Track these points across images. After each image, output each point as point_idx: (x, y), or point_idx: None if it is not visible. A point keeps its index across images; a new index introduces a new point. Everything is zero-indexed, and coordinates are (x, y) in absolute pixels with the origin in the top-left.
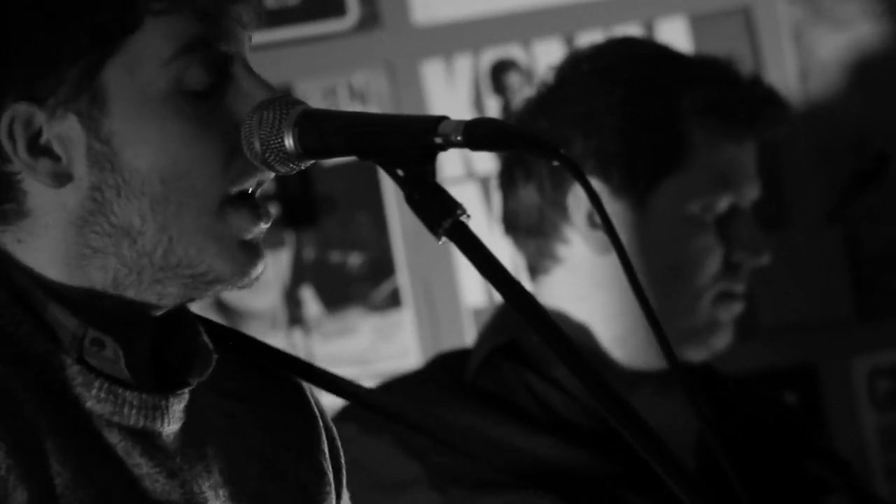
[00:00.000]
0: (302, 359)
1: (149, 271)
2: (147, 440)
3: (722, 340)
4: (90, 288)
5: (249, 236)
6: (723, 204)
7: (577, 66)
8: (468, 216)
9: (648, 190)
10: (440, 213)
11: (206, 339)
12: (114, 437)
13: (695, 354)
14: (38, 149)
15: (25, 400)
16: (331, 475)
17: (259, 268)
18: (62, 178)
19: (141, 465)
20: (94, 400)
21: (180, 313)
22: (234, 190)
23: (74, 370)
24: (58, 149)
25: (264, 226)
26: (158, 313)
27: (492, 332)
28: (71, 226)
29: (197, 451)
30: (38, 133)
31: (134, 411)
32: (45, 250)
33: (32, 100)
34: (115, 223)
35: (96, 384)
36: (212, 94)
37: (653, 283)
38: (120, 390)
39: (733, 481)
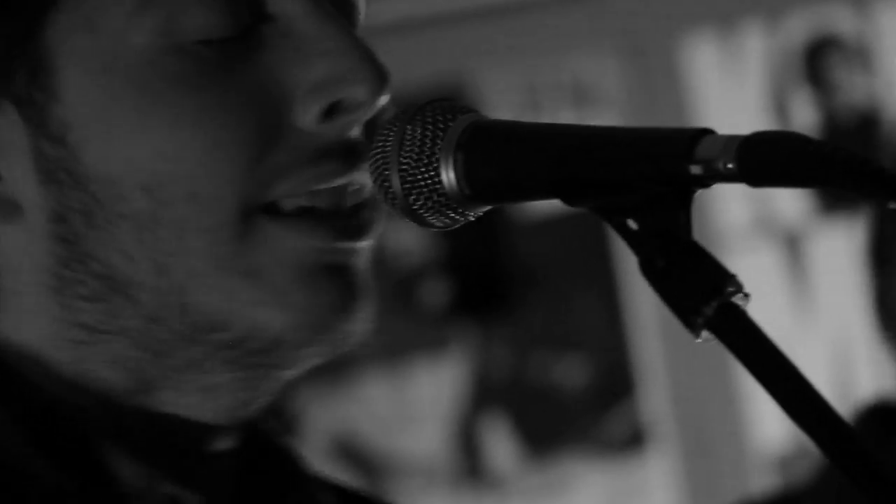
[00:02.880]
0: None
1: (174, 349)
2: None
3: None
4: (106, 398)
5: (324, 258)
6: None
7: None
8: (746, 296)
9: None
10: (699, 293)
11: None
12: None
13: None
14: None
15: None
16: None
17: (355, 311)
18: (4, 208)
19: None
20: None
21: (285, 459)
22: (273, 197)
23: None
24: None
25: (356, 242)
26: (228, 438)
27: (817, 498)
28: (48, 291)
29: None
30: None
31: None
32: (24, 334)
33: None
34: (100, 272)
35: None
36: (235, 45)
37: None
38: None
39: None
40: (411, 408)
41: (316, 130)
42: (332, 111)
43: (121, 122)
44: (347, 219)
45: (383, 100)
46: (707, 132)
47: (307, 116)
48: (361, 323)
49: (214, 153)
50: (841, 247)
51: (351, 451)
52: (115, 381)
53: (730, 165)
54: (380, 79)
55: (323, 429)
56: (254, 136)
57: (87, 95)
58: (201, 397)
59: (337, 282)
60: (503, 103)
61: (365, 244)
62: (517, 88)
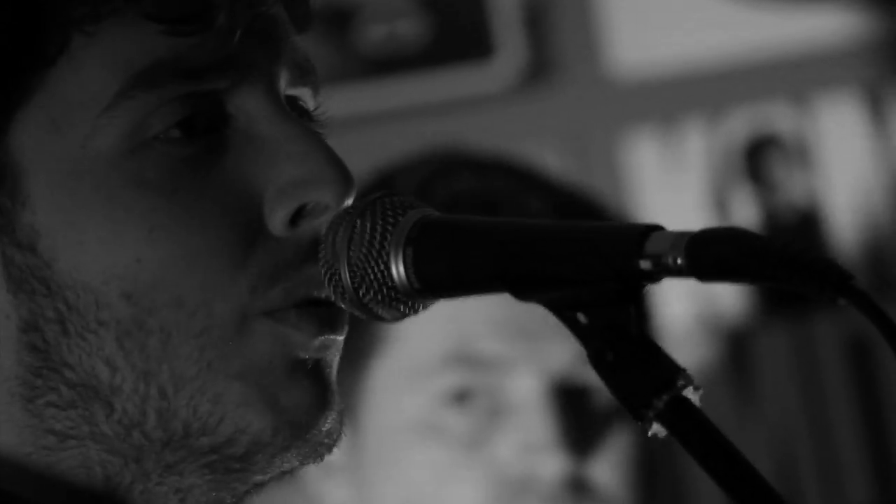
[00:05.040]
0: None
1: (150, 455)
2: None
3: None
4: (77, 502)
5: (301, 354)
6: None
7: None
8: (696, 388)
9: None
10: (649, 386)
11: None
12: None
13: None
14: None
15: None
16: None
17: (328, 414)
18: None
19: None
20: None
21: None
22: (270, 306)
23: None
24: None
25: (332, 336)
26: None
27: None
28: (14, 399)
29: None
30: None
31: None
32: None
33: None
34: (74, 381)
35: None
36: (200, 148)
37: None
38: None
39: None
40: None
41: (288, 233)
42: (299, 214)
43: (93, 229)
44: (329, 307)
45: (348, 202)
46: (656, 228)
47: (276, 220)
48: (333, 421)
49: (195, 259)
50: (783, 344)
51: None
52: (86, 486)
53: (679, 261)
54: (345, 181)
55: None
56: (231, 240)
57: (55, 201)
58: (173, 500)
59: (316, 380)
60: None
61: (342, 337)
62: None
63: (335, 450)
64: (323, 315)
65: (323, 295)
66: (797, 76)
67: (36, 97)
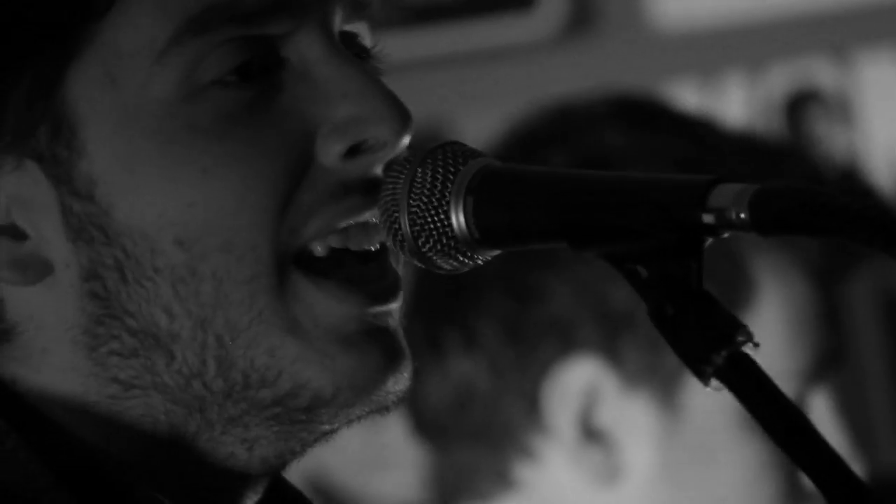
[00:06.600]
0: None
1: (213, 406)
2: None
3: None
4: (144, 449)
5: (362, 324)
6: None
7: None
8: (756, 345)
9: None
10: (708, 341)
11: None
12: None
13: None
14: None
15: None
16: None
17: (398, 371)
18: (34, 268)
19: None
20: None
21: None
22: (303, 240)
23: None
24: (19, 220)
25: (389, 305)
26: (259, 488)
27: None
28: (78, 347)
29: None
30: None
31: None
32: (57, 390)
33: None
34: (135, 328)
35: None
36: (254, 91)
37: None
38: None
39: None
40: (384, 451)
41: (339, 167)
42: (355, 150)
43: (148, 175)
44: (378, 281)
45: (406, 140)
46: (720, 181)
47: (330, 155)
48: (404, 382)
49: (246, 201)
50: None
51: (323, 492)
52: (152, 434)
53: (742, 215)
54: (403, 119)
55: (294, 467)
56: (281, 179)
57: (111, 150)
58: (240, 449)
59: (379, 345)
60: (482, 149)
61: (397, 305)
62: (496, 134)
63: None
64: (370, 289)
65: (363, 220)
66: (839, 31)
67: (89, 50)
